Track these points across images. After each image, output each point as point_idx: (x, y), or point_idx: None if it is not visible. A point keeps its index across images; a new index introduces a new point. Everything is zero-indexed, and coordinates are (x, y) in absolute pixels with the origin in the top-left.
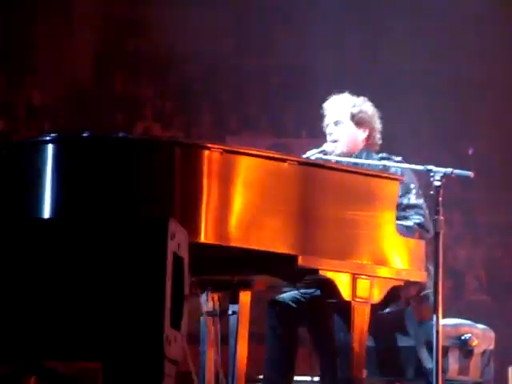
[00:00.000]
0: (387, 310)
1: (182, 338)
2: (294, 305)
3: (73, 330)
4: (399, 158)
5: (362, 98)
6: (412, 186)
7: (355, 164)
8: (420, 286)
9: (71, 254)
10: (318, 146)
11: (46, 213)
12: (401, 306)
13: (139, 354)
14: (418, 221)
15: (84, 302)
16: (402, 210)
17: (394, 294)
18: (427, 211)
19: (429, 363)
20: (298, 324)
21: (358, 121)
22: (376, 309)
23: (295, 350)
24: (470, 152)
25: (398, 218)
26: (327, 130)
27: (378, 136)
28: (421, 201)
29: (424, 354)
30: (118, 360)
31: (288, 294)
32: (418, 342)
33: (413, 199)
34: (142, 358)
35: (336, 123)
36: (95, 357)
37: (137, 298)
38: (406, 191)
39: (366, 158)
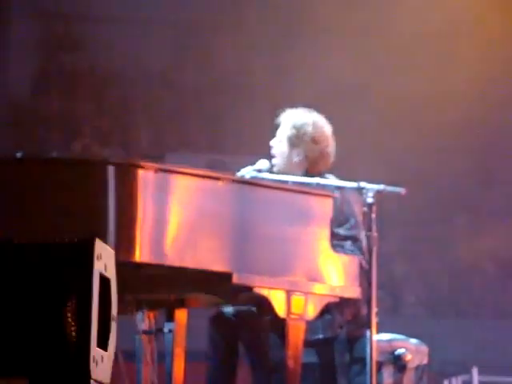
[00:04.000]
0: (321, 335)
1: (109, 358)
2: (234, 318)
3: None
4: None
5: (310, 119)
6: (352, 216)
7: (291, 182)
8: (355, 309)
9: None
10: (253, 164)
11: None
12: (335, 331)
13: (65, 374)
14: (351, 253)
15: (10, 322)
16: (341, 240)
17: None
18: (364, 244)
19: None
20: (237, 338)
21: (292, 143)
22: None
23: (236, 363)
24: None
25: (333, 246)
26: (271, 142)
27: (323, 161)
28: (359, 232)
29: (343, 382)
30: (44, 382)
31: (229, 308)
32: (340, 369)
33: (351, 230)
34: (68, 379)
35: (278, 139)
36: (20, 379)
37: (63, 319)
38: (345, 221)
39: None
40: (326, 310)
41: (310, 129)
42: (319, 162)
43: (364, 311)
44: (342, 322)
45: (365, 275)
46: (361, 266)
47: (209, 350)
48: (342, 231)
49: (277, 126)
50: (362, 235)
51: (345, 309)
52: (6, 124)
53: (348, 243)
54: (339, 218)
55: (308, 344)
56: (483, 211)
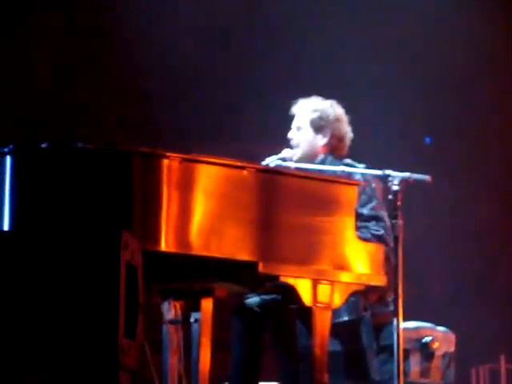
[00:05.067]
0: (346, 318)
1: (137, 347)
2: (258, 310)
3: (25, 341)
4: (362, 165)
5: (327, 102)
6: (375, 196)
7: (316, 170)
8: (380, 292)
9: (25, 265)
10: (277, 153)
11: (6, 225)
12: (360, 313)
13: (94, 364)
14: (376, 233)
15: (37, 312)
16: (364, 220)
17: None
18: (389, 223)
19: (376, 375)
20: (263, 329)
21: (317, 126)
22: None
23: (260, 354)
24: (428, 141)
25: (358, 228)
26: (289, 135)
27: (344, 141)
28: (382, 212)
29: (373, 364)
30: (73, 371)
31: (253, 299)
32: (369, 351)
33: (374, 210)
34: (97, 368)
35: (298, 128)
36: (49, 368)
37: (90, 308)
38: (368, 201)
39: (330, 165)
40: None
41: (331, 110)
42: (343, 142)
43: (389, 294)
44: (366, 305)
45: (389, 260)
46: (386, 245)
47: (233, 341)
48: (365, 211)
49: (291, 118)
50: (385, 215)
51: (369, 291)
52: (32, 115)
53: (372, 223)
54: (362, 198)
55: (333, 327)
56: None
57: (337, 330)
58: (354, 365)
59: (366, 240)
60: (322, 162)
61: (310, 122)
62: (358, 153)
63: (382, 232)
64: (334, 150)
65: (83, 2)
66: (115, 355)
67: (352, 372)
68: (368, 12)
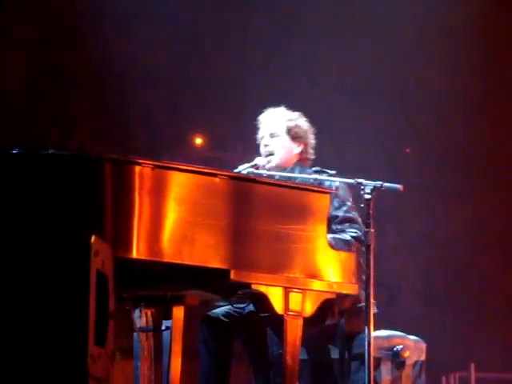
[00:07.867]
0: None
1: (107, 354)
2: (226, 319)
3: None
4: (333, 172)
5: (297, 113)
6: (347, 199)
7: (288, 178)
8: (354, 298)
9: None
10: (250, 161)
11: None
12: (335, 319)
13: (63, 372)
14: (354, 234)
15: (6, 320)
16: (339, 222)
17: (329, 308)
18: (362, 225)
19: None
20: (231, 339)
21: (294, 135)
22: (312, 322)
23: (229, 364)
24: (408, 151)
25: (334, 231)
26: (262, 142)
27: (312, 151)
28: (356, 214)
29: (344, 373)
30: (42, 379)
31: (220, 309)
32: (342, 357)
33: (348, 212)
34: (66, 377)
35: (272, 135)
36: (18, 376)
37: (60, 315)
38: (342, 204)
39: (300, 173)
40: None
41: (303, 121)
42: (311, 152)
43: (362, 301)
44: (341, 310)
45: (361, 266)
46: (361, 243)
47: (200, 350)
48: (340, 213)
49: (259, 126)
50: (359, 217)
51: (344, 297)
52: (3, 122)
53: (346, 225)
54: (336, 202)
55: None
56: (483, 208)
57: (312, 335)
58: (322, 374)
59: (344, 248)
60: (292, 171)
61: (287, 130)
62: (333, 162)
63: (358, 233)
64: (303, 160)
65: (56, 12)
66: (84, 363)
67: (320, 381)
68: (353, 22)
